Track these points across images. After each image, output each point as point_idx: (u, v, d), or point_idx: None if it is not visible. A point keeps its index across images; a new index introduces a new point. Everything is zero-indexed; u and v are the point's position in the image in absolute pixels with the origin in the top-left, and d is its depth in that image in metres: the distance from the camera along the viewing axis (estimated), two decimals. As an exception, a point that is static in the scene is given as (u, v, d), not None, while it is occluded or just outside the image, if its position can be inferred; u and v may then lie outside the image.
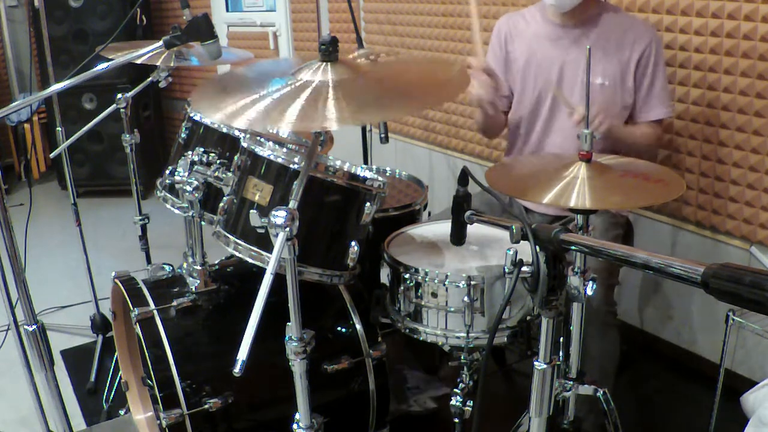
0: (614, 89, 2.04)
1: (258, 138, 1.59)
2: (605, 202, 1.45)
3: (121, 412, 2.26)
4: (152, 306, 1.72)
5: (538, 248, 1.07)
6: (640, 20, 2.17)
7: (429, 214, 2.20)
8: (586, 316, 1.58)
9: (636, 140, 2.04)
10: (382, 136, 2.61)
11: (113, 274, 1.87)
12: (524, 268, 1.09)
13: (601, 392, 1.64)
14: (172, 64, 2.21)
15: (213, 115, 1.44)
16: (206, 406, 1.62)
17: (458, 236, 1.44)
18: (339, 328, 1.83)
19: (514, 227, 1.14)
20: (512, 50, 2.18)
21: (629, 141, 2.03)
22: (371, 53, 2.53)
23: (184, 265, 1.86)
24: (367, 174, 1.61)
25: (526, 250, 1.09)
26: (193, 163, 1.71)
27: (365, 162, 2.99)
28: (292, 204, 1.29)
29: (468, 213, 1.39)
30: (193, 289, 1.79)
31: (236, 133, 1.78)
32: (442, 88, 1.59)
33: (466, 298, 1.55)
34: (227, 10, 4.46)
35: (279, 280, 1.23)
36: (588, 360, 1.72)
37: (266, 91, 1.39)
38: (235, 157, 1.69)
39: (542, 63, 2.11)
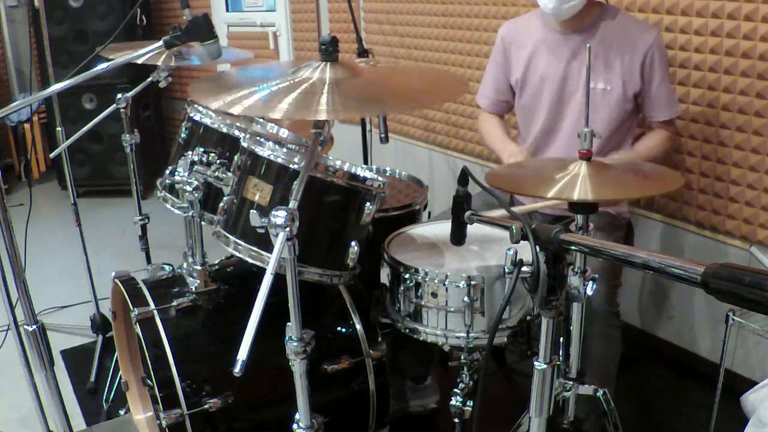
0: (617, 95, 2.02)
1: (258, 138, 1.58)
2: (605, 194, 1.45)
3: (121, 412, 2.26)
4: (152, 306, 1.71)
5: (538, 248, 1.07)
6: (642, 22, 2.15)
7: (429, 214, 2.20)
8: (588, 317, 1.58)
9: (648, 157, 2.04)
10: (382, 136, 2.60)
11: (113, 274, 1.86)
12: (524, 268, 1.09)
13: (601, 392, 1.64)
14: (172, 64, 2.21)
15: (211, 104, 1.44)
16: (206, 406, 1.62)
17: (458, 236, 1.44)
18: (339, 328, 1.83)
19: (514, 227, 1.14)
20: (513, 57, 2.17)
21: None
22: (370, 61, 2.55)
23: (184, 265, 1.86)
24: (367, 174, 1.61)
25: (526, 249, 1.09)
26: (193, 163, 1.71)
27: (365, 162, 2.99)
28: (292, 204, 1.30)
29: (468, 213, 1.39)
30: (193, 289, 1.78)
31: (236, 133, 1.78)
32: (441, 89, 1.60)
33: (466, 298, 1.54)
34: (227, 10, 4.46)
35: (279, 280, 1.23)
36: (589, 360, 1.71)
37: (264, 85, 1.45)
38: (235, 157, 1.68)
39: (544, 71, 2.09)
